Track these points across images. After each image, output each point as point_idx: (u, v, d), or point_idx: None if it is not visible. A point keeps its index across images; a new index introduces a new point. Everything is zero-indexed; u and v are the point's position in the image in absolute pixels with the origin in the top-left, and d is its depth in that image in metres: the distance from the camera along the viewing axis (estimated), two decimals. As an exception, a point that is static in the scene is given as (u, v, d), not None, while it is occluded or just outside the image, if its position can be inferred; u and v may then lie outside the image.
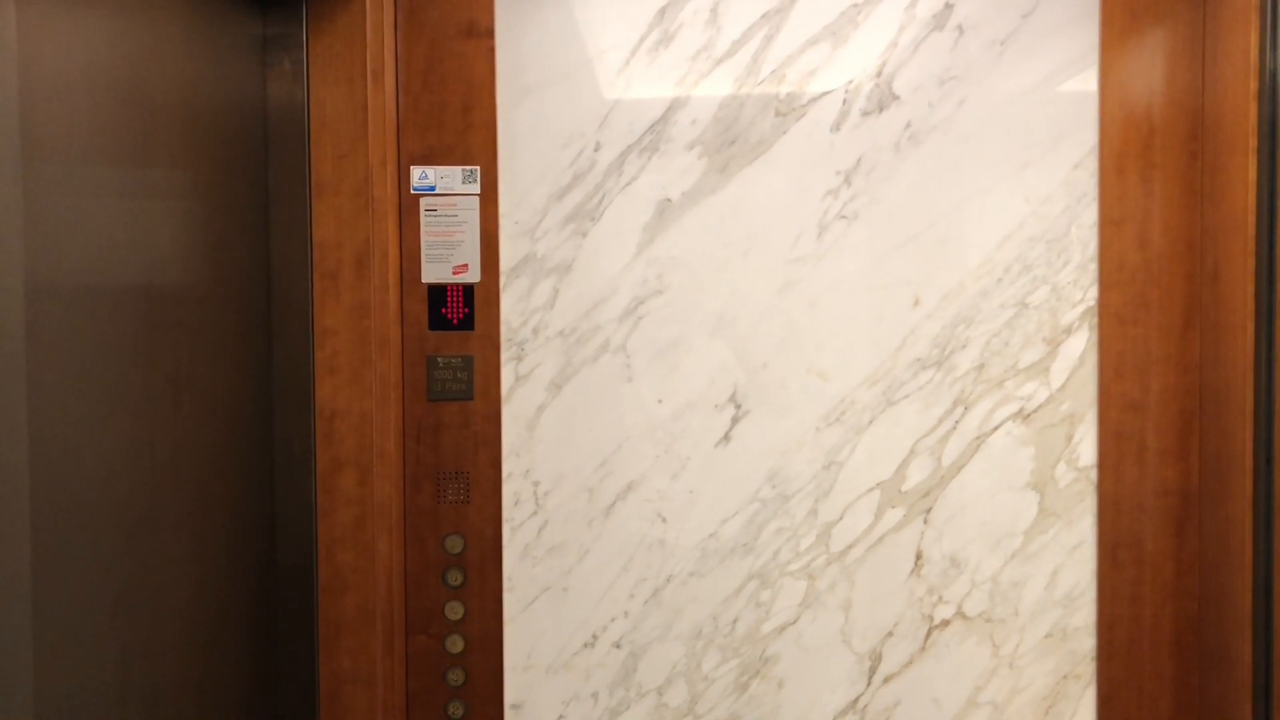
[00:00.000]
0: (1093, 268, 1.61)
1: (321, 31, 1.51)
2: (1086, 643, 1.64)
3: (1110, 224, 1.60)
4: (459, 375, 1.64)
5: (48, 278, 0.99)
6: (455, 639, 1.66)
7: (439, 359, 1.64)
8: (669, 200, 1.64)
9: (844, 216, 1.63)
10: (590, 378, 1.65)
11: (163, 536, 1.21)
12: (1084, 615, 1.63)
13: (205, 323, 1.32)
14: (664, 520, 1.66)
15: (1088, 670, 1.64)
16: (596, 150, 1.64)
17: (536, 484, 1.66)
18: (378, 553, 1.54)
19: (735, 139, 1.63)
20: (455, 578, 1.66)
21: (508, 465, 1.66)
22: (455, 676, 1.66)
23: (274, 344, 1.52)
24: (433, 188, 1.62)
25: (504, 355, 1.65)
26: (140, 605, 1.16)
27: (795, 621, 1.66)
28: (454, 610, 1.66)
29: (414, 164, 1.63)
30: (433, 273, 1.64)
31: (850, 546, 1.65)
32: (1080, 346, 1.62)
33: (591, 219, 1.64)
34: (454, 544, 1.65)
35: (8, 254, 0.93)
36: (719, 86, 1.63)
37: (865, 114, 1.62)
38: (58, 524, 1.00)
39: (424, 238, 1.63)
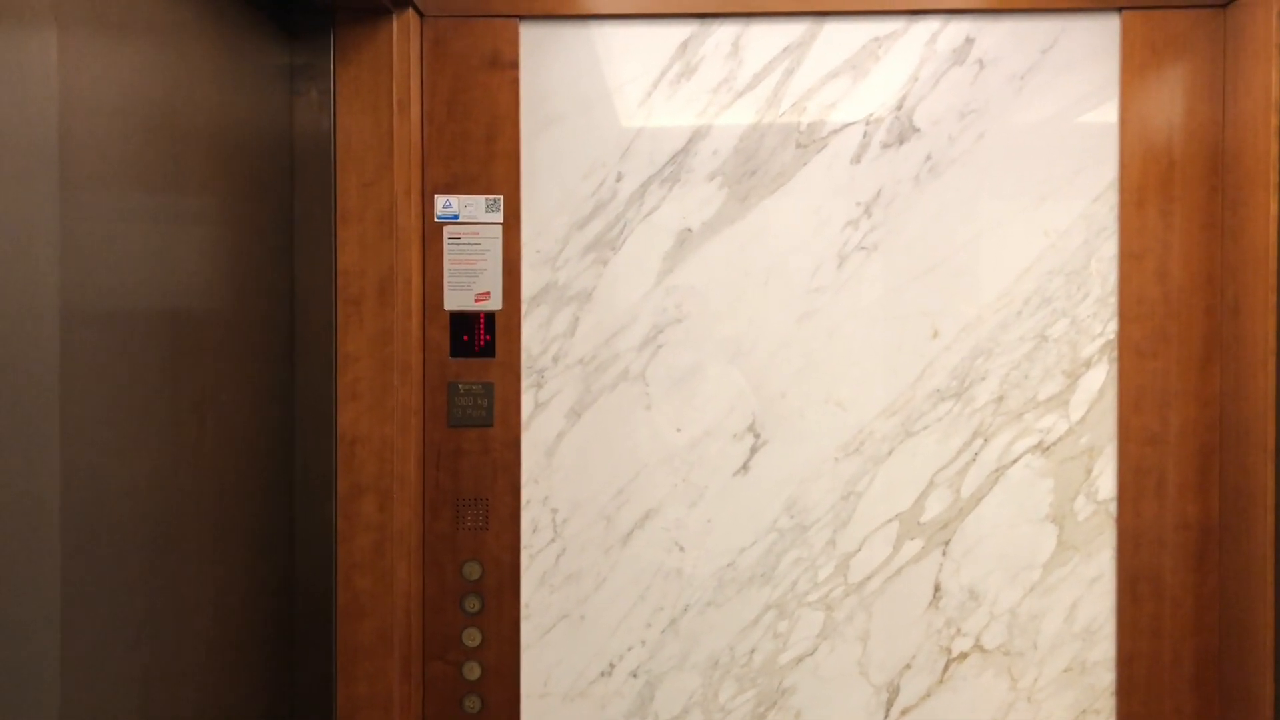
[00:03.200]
0: (1112, 301, 1.62)
1: (349, 62, 1.53)
2: (1105, 677, 1.63)
3: (1130, 257, 1.61)
4: (479, 402, 1.65)
5: (81, 302, 1.00)
6: (472, 665, 1.66)
7: (460, 385, 1.65)
8: (689, 230, 1.65)
9: (863, 247, 1.64)
10: (609, 406, 1.66)
11: (186, 559, 1.22)
12: (1103, 649, 1.62)
13: (230, 348, 1.34)
14: (681, 549, 1.66)
15: (1107, 705, 1.63)
16: (618, 180, 1.65)
17: (555, 511, 1.67)
18: (396, 578, 1.55)
19: (756, 170, 1.64)
20: (473, 604, 1.66)
21: (526, 492, 1.66)
22: (472, 703, 1.66)
23: (297, 369, 1.53)
24: (456, 216, 1.64)
25: (524, 382, 1.66)
26: (163, 627, 1.17)
27: (813, 652, 1.66)
28: (471, 637, 1.66)
29: (438, 192, 1.64)
30: (455, 300, 1.65)
31: (869, 578, 1.65)
32: (1100, 379, 1.62)
33: (612, 248, 1.65)
34: (472, 570, 1.66)
35: (45, 278, 0.94)
36: (740, 118, 1.64)
37: (885, 146, 1.63)
38: (86, 546, 1.01)
39: (447, 265, 1.64)
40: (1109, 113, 1.61)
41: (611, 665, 1.67)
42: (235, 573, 1.36)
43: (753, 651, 1.66)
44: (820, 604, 1.65)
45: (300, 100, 1.53)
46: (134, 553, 1.11)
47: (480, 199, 1.64)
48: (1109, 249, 1.62)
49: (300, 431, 1.53)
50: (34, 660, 0.94)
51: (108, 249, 1.05)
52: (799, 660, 1.66)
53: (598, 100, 1.65)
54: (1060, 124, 1.62)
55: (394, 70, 1.53)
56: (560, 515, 1.67)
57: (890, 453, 1.64)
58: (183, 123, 1.21)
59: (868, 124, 1.63)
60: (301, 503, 1.54)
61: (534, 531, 1.67)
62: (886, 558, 1.65)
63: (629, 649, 1.67)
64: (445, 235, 1.64)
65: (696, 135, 1.64)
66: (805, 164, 1.64)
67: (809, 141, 1.64)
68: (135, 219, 1.11)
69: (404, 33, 1.55)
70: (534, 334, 1.66)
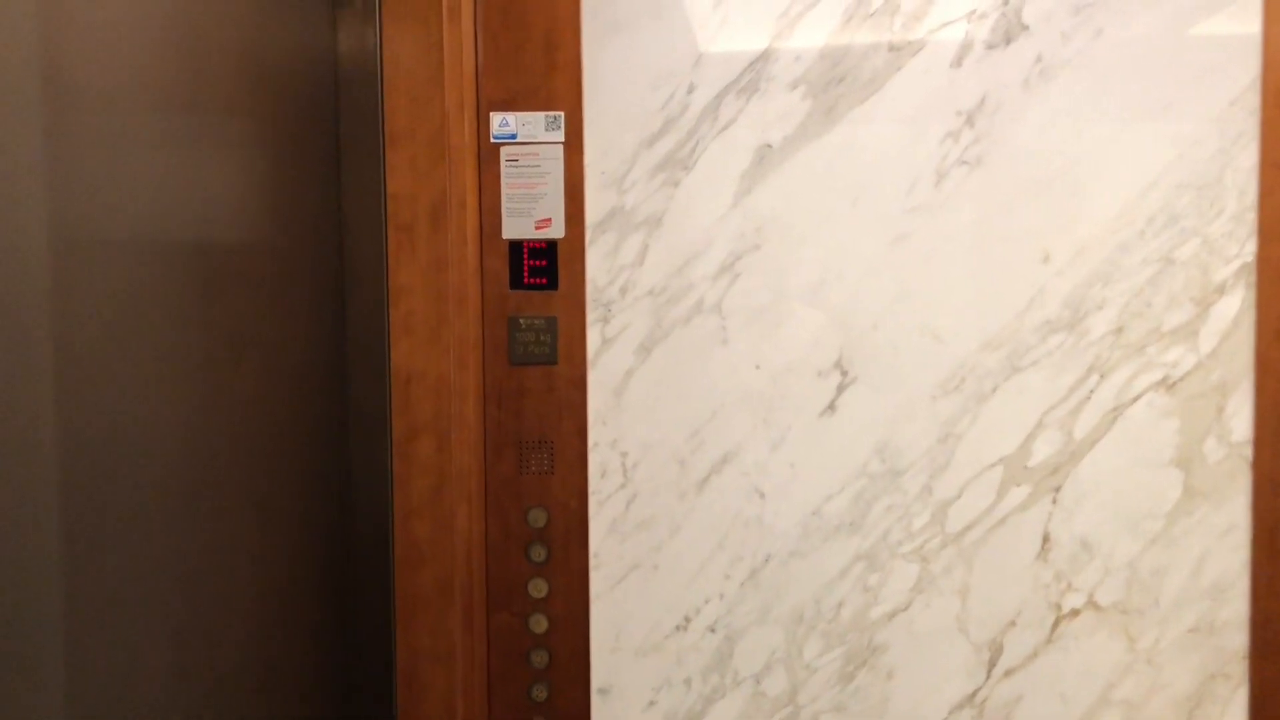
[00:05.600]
0: (1250, 218, 1.44)
1: (394, -33, 1.42)
2: (1237, 639, 1.48)
3: (1272, 168, 1.43)
4: (542, 337, 1.54)
5: (76, 229, 0.91)
6: (539, 618, 1.58)
7: (521, 320, 1.55)
8: (769, 146, 1.51)
9: (965, 162, 1.49)
10: (682, 340, 1.55)
11: (226, 505, 1.15)
12: (1235, 608, 1.48)
13: (273, 281, 1.25)
14: (762, 495, 1.55)
15: (1238, 670, 1.48)
16: (690, 92, 1.52)
17: (624, 454, 1.56)
18: (456, 524, 1.47)
19: (844, 77, 1.50)
20: (539, 553, 1.57)
21: (594, 434, 1.56)
22: (539, 657, 1.58)
23: (347, 302, 1.45)
24: (514, 135, 1.52)
25: (590, 316, 1.55)
26: (204, 581, 1.09)
27: (907, 608, 1.54)
28: (538, 587, 1.57)
29: (494, 110, 1.53)
30: (514, 228, 1.54)
31: (969, 527, 1.52)
32: (1235, 307, 1.45)
33: (684, 167, 1.53)
34: (537, 517, 1.57)
35: (30, 206, 0.85)
36: (826, 18, 1.49)
37: (990, 47, 1.48)
38: (99, 501, 0.93)
39: (504, 190, 1.54)
40: (1249, 2, 1.42)
41: (687, 619, 1.57)
42: (284, 520, 1.29)
43: (840, 605, 1.55)
44: (915, 555, 1.53)
45: (343, 11, 1.44)
46: (160, 506, 1.03)
47: (539, 116, 1.52)
48: (1247, 158, 1.44)
49: (351, 368, 1.46)
50: (54, 624, 0.87)
51: (112, 176, 0.96)
52: (891, 616, 1.54)
53: (667, 2, 1.51)
54: (1190, 16, 1.44)
55: (444, -26, 1.41)
56: (630, 459, 1.56)
57: (994, 390, 1.50)
58: (207, 37, 1.12)
59: (970, 22, 1.47)
60: (355, 444, 1.47)
61: (602, 476, 1.57)
62: (989, 505, 1.51)
63: (706, 601, 1.57)
64: (502, 156, 1.53)
65: (777, 39, 1.50)
66: (899, 69, 1.49)
67: (903, 44, 1.48)
68: (148, 145, 1.02)
69: (453, -68, 1.43)
70: (600, 263, 1.54)
